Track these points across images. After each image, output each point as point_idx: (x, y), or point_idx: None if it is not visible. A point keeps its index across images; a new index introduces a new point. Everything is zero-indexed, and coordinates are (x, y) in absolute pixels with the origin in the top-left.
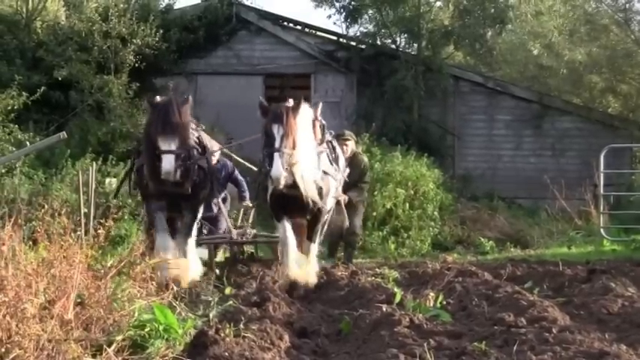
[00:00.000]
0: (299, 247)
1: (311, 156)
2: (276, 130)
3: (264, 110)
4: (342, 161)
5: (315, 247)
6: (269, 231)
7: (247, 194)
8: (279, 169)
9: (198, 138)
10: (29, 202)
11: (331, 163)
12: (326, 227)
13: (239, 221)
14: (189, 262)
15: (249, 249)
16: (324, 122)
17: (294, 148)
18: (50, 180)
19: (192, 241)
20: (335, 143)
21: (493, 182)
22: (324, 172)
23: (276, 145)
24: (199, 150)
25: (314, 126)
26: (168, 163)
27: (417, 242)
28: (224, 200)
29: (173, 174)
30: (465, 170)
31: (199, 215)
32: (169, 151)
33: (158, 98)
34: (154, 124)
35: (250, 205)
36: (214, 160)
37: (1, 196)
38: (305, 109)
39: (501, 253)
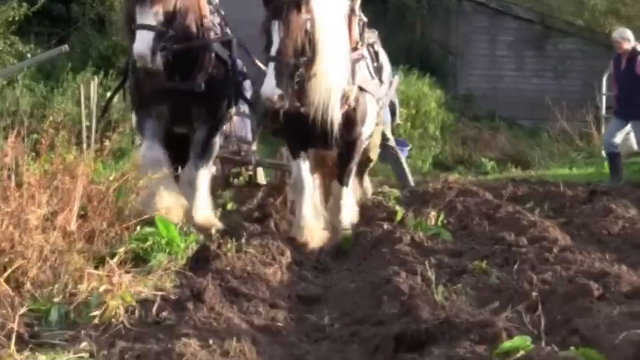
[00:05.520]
0: (322, 194)
1: (340, 65)
2: (275, 29)
3: (266, 1)
4: (387, 73)
5: (348, 194)
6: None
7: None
8: (269, 85)
9: (220, 24)
10: (31, 114)
11: (372, 76)
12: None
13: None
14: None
15: (247, 172)
16: (364, 19)
17: (301, 54)
18: (51, 93)
19: (206, 171)
20: (378, 47)
21: (495, 103)
22: (360, 89)
23: (273, 50)
24: (218, 34)
25: (350, 22)
26: (140, 42)
27: (418, 161)
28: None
29: (149, 58)
30: (467, 90)
31: (219, 130)
32: (145, 26)
33: None
34: None
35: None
36: None
37: (3, 107)
38: None
39: (502, 174)
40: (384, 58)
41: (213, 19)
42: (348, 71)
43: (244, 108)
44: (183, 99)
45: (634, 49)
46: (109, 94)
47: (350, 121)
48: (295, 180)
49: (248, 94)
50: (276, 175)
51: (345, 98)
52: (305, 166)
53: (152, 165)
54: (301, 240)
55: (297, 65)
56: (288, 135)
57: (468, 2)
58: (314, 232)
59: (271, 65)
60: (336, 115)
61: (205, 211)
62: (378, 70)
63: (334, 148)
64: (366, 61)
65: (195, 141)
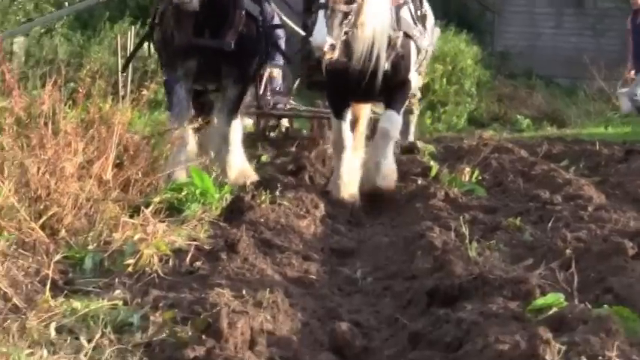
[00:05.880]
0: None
1: (386, 11)
2: None
3: None
4: (430, 22)
5: (397, 120)
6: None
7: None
8: (321, 34)
9: None
10: (68, 63)
11: (415, 23)
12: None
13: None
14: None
15: (284, 123)
16: None
17: (351, 1)
18: (88, 42)
19: (237, 126)
20: None
21: (532, 60)
22: (406, 35)
23: None
24: None
25: None
26: None
27: (453, 118)
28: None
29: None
30: (504, 47)
31: (248, 88)
32: None
33: None
34: None
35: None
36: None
37: (41, 56)
38: None
39: (537, 132)
40: (427, 6)
41: None
42: (393, 17)
43: (278, 60)
44: (213, 56)
45: None
46: (145, 44)
47: (396, 68)
48: (335, 140)
49: (282, 42)
50: (312, 127)
51: (391, 46)
52: (346, 126)
53: (179, 150)
54: (337, 196)
55: (346, 13)
56: (331, 89)
57: None
58: (350, 189)
59: (321, 13)
60: (382, 63)
61: (240, 164)
62: (422, 19)
63: (379, 97)
64: (409, 7)
65: (225, 99)
